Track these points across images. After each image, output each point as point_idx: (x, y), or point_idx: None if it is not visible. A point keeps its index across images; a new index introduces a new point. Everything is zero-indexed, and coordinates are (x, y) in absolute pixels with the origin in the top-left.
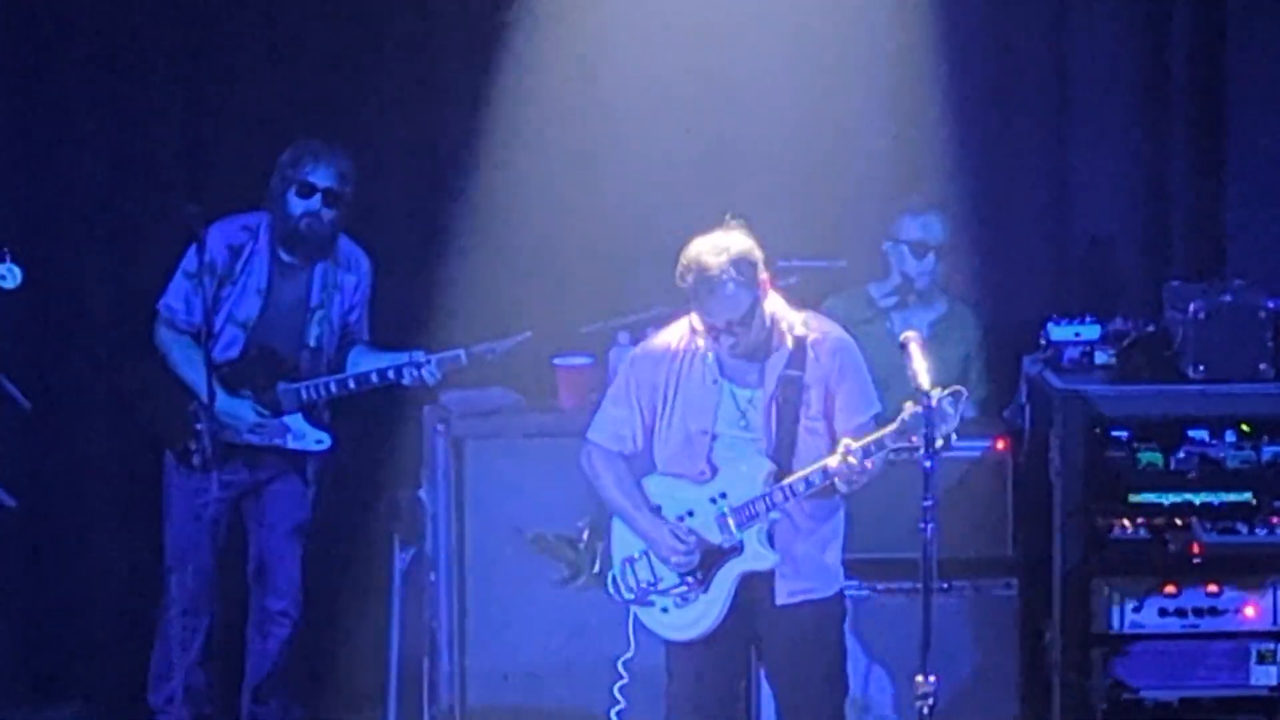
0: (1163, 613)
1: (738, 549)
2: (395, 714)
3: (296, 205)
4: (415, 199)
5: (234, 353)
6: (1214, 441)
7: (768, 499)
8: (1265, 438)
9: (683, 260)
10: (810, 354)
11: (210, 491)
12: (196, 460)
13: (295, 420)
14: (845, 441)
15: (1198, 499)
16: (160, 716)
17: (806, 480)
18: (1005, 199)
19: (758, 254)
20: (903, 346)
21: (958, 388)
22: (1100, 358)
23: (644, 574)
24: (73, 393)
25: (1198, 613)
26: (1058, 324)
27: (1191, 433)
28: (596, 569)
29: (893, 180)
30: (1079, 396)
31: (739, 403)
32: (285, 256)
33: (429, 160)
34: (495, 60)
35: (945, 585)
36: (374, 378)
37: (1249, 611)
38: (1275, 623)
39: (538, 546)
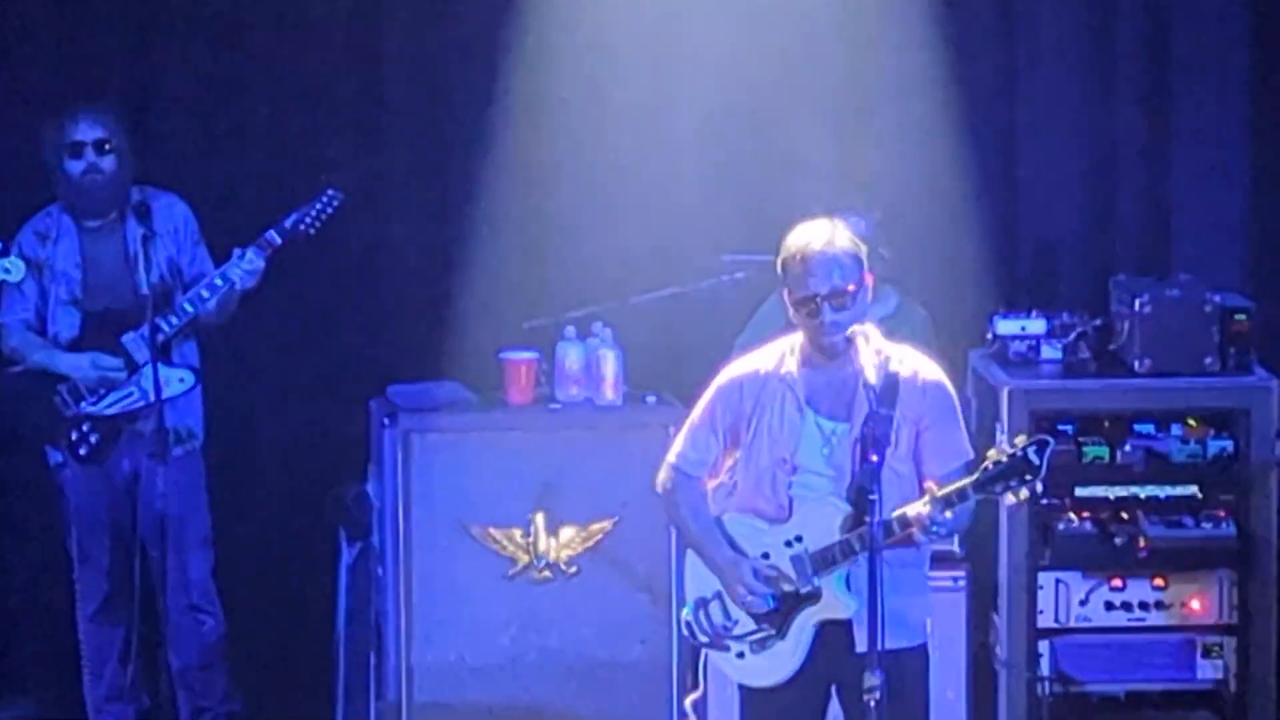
0: (1109, 606)
1: (815, 596)
2: (342, 709)
3: (74, 167)
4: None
5: (75, 331)
6: (1160, 435)
7: (845, 545)
8: (1211, 431)
9: (784, 249)
10: (902, 391)
11: (105, 481)
12: (83, 451)
13: (151, 370)
14: (929, 487)
15: (1144, 493)
16: (100, 715)
17: (886, 528)
18: (953, 195)
19: (863, 247)
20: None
21: (1044, 437)
22: (1046, 352)
23: (718, 616)
24: None
25: (1144, 606)
26: (1004, 318)
27: (1137, 426)
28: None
29: (841, 176)
30: (1025, 390)
31: (824, 436)
32: (89, 222)
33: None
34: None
35: None
36: (205, 293)
37: (1195, 605)
38: (1221, 616)
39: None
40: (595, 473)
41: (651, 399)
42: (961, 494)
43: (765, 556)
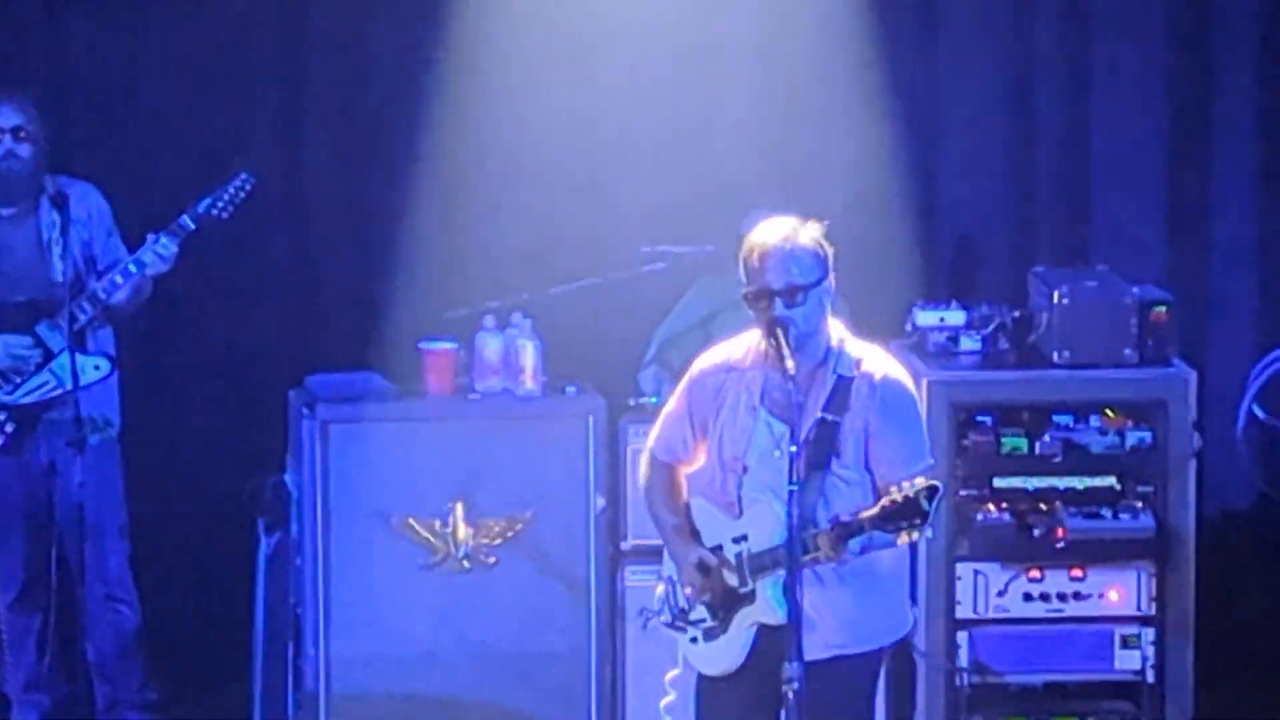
0: (1027, 597)
1: (750, 598)
2: (259, 699)
3: None
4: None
5: None
6: (1079, 426)
7: (776, 553)
8: (1129, 423)
9: (745, 244)
10: (852, 396)
11: (22, 471)
12: (0, 441)
13: (67, 358)
14: (835, 516)
15: (1062, 484)
16: (19, 706)
17: (803, 544)
18: (874, 187)
19: (829, 248)
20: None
21: (936, 484)
22: (965, 343)
23: (681, 600)
24: None
25: (1062, 597)
26: (923, 309)
27: (1056, 418)
28: None
29: (762, 168)
30: (943, 382)
31: (774, 437)
32: (3, 210)
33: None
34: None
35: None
36: (118, 278)
37: (1113, 596)
38: (1139, 607)
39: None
40: (514, 463)
41: (571, 390)
42: (859, 527)
43: (718, 549)
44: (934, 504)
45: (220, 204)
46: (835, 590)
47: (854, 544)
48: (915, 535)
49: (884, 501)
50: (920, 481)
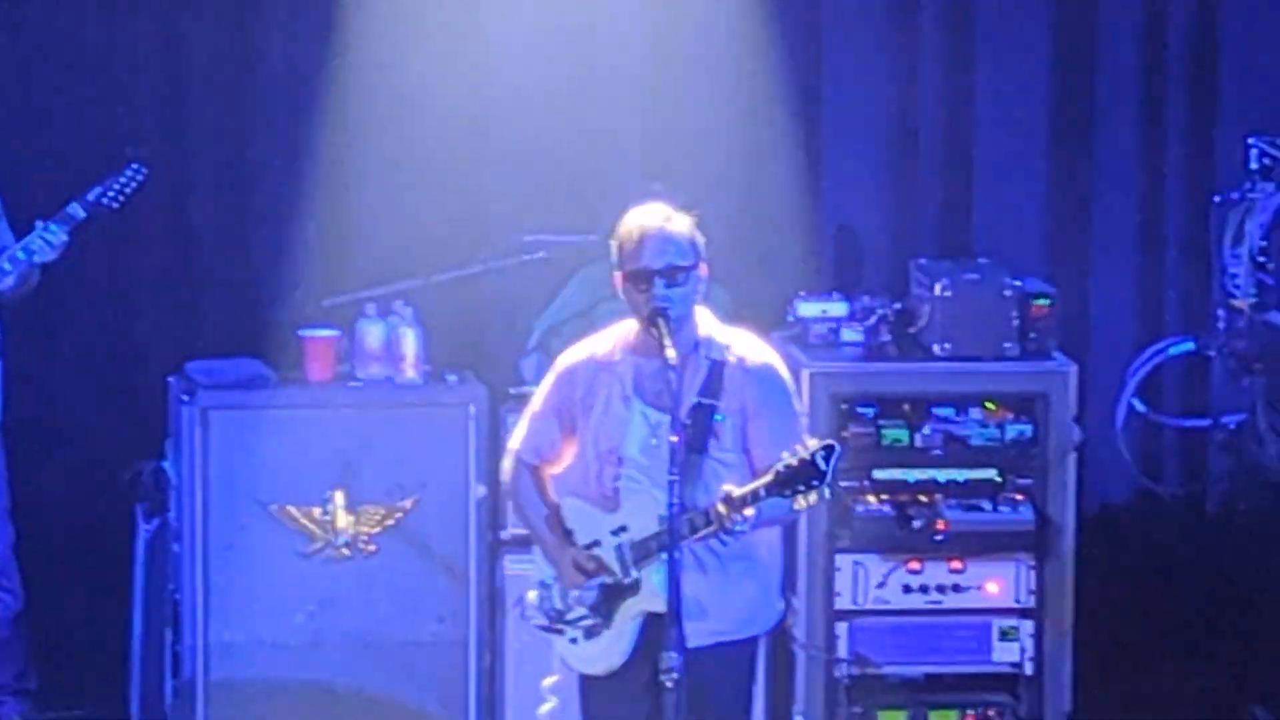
0: (907, 589)
1: (635, 588)
2: (138, 686)
3: None
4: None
5: None
6: (959, 419)
7: (660, 538)
8: (1010, 416)
9: (621, 226)
10: (726, 380)
11: None
12: None
13: None
14: (726, 489)
15: (942, 476)
16: None
17: (690, 523)
18: (757, 181)
19: (701, 237)
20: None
21: (832, 442)
22: (847, 334)
23: (556, 601)
24: None
25: (941, 589)
26: (805, 300)
27: (937, 410)
28: None
29: (645, 158)
30: (825, 373)
31: (650, 426)
32: None
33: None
34: None
35: None
36: (6, 265)
37: (992, 588)
38: (1018, 600)
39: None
40: (395, 451)
41: (452, 378)
42: (755, 495)
43: (595, 545)
44: (832, 463)
45: (111, 193)
46: (718, 576)
47: (748, 512)
48: (814, 498)
49: (778, 466)
50: (813, 442)
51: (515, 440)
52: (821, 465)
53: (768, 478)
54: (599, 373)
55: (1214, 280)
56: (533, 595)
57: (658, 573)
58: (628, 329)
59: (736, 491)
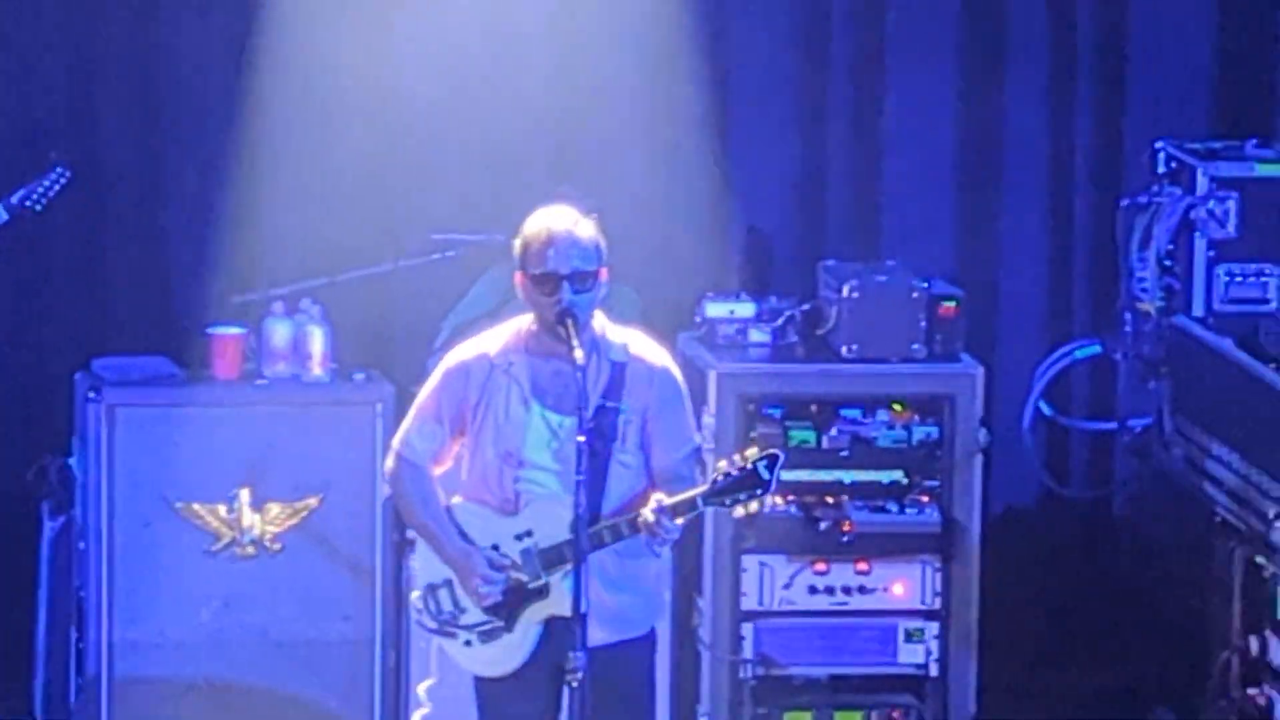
0: (813, 590)
1: (543, 592)
2: (42, 683)
3: None
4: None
5: None
6: (866, 420)
7: (573, 545)
8: (917, 417)
9: (525, 228)
10: (628, 382)
11: None
12: None
13: None
14: (658, 498)
15: (849, 477)
16: None
17: (613, 530)
18: (666, 182)
19: (604, 240)
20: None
21: (775, 451)
22: (755, 335)
23: (447, 604)
24: None
25: (847, 590)
26: (713, 301)
27: (844, 411)
28: None
29: (555, 159)
30: (732, 374)
31: (551, 429)
32: None
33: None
34: None
35: None
36: None
37: (898, 590)
38: (924, 601)
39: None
40: (301, 450)
41: (360, 376)
42: (691, 504)
43: (495, 548)
44: (775, 472)
45: (35, 196)
46: (618, 575)
47: (679, 521)
48: (755, 507)
49: (715, 476)
50: (753, 451)
51: (399, 441)
52: (765, 475)
53: (704, 487)
54: (493, 374)
55: (1121, 284)
56: (416, 597)
57: (566, 577)
58: (518, 329)
59: (669, 500)
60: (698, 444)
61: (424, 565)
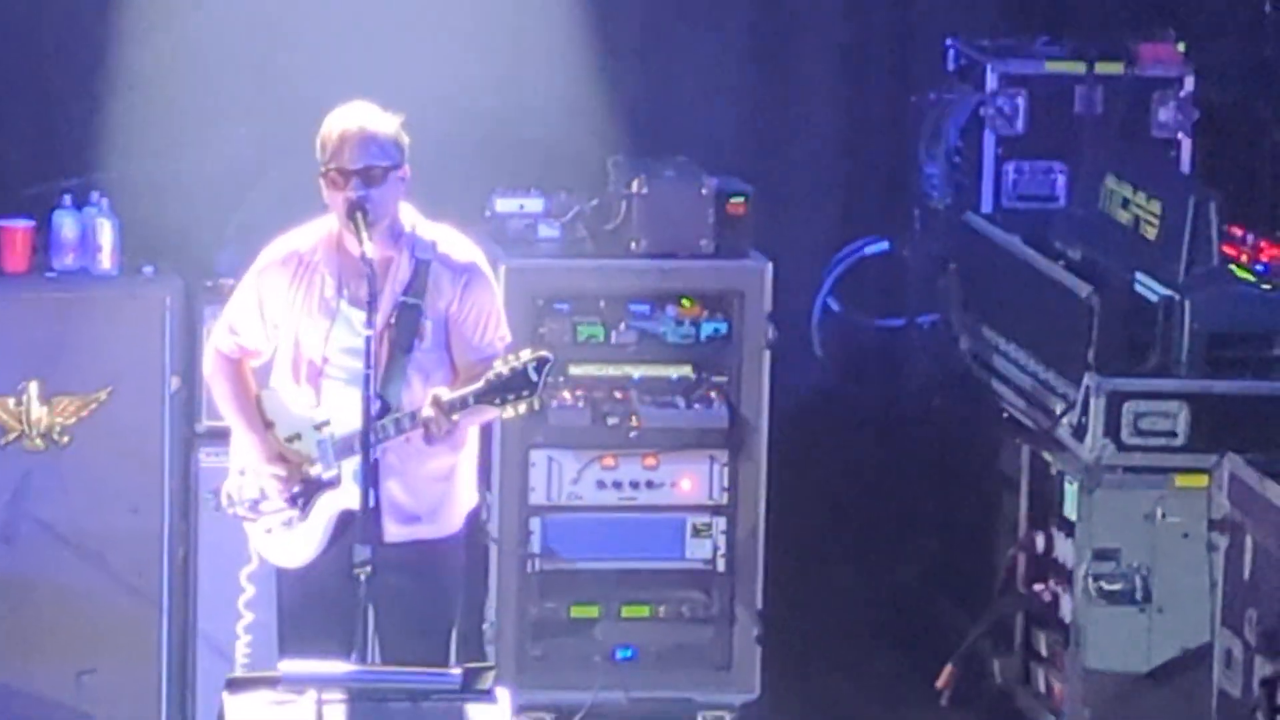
0: (601, 485)
1: (334, 483)
2: None
3: None
4: None
5: None
6: (655, 316)
7: (363, 437)
8: (705, 313)
9: (324, 125)
10: (431, 279)
11: None
12: None
13: None
14: (435, 392)
15: (638, 373)
16: None
17: (397, 424)
18: (458, 76)
19: (406, 138)
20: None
21: (546, 354)
22: (544, 230)
23: (251, 491)
24: None
25: (635, 485)
26: (502, 196)
27: (633, 307)
28: None
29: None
30: (521, 269)
31: (353, 326)
32: None
33: None
34: None
35: None
36: None
37: (685, 485)
38: (711, 496)
39: None
40: (90, 343)
41: (149, 269)
42: (463, 401)
43: (297, 438)
44: (543, 375)
45: None
46: (414, 474)
47: (455, 418)
48: (523, 408)
49: (489, 375)
50: (527, 353)
51: (216, 333)
52: (533, 377)
53: (478, 385)
54: (302, 269)
55: (911, 180)
56: (229, 485)
57: (356, 470)
58: (329, 226)
59: (446, 395)
60: (508, 342)
61: (235, 451)
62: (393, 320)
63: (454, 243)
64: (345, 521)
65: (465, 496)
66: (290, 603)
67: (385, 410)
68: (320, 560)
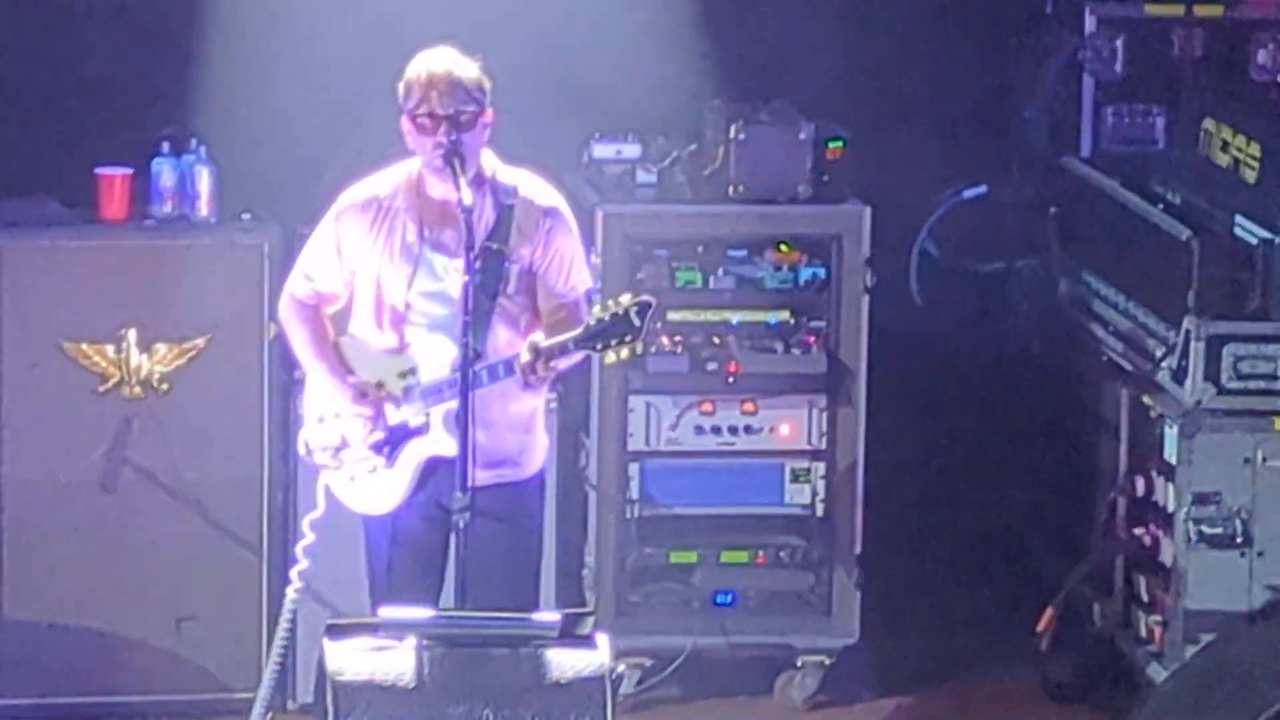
0: (699, 430)
1: (423, 430)
2: None
3: None
4: None
5: None
6: (753, 261)
7: (453, 384)
8: (803, 259)
9: (408, 70)
10: (515, 224)
11: None
12: None
13: None
14: (533, 340)
15: (736, 318)
16: None
17: (490, 370)
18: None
19: (489, 81)
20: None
21: (648, 299)
22: (641, 176)
23: (333, 438)
24: None
25: (734, 431)
26: (600, 142)
27: (731, 252)
28: None
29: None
30: (618, 214)
31: (437, 271)
32: None
33: None
34: None
35: None
36: None
37: (784, 430)
38: (810, 442)
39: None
40: (189, 290)
41: (246, 216)
42: (563, 349)
43: (380, 385)
44: (646, 319)
45: None
46: (499, 419)
47: (553, 364)
48: (626, 354)
49: (589, 320)
50: (628, 298)
51: (292, 278)
52: (636, 321)
53: (578, 331)
54: (382, 214)
55: (1009, 125)
56: (306, 432)
57: (447, 417)
58: (409, 170)
59: (544, 342)
60: (590, 286)
61: (312, 399)
62: (478, 267)
63: (535, 187)
64: (431, 468)
65: (543, 439)
66: (378, 549)
67: (476, 357)
68: (406, 507)
